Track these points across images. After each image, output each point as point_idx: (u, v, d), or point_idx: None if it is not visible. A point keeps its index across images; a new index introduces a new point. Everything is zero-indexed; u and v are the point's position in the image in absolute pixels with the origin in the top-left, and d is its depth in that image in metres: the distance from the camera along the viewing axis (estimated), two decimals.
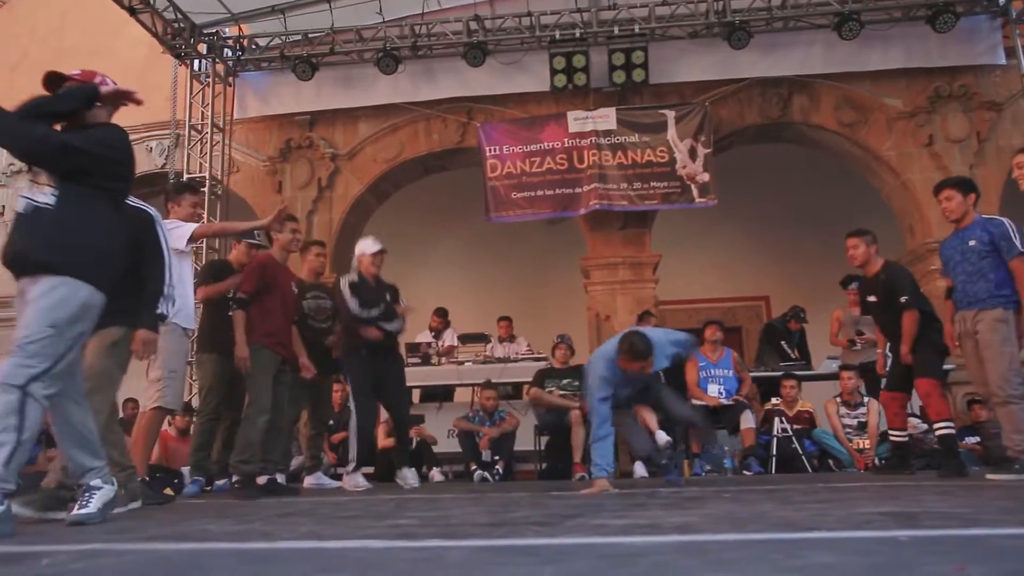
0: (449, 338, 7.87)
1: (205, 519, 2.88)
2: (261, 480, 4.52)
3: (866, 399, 6.09)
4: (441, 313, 8.10)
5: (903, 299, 4.55)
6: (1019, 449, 3.93)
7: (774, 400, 6.29)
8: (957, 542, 1.66)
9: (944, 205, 4.32)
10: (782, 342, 7.41)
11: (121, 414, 5.02)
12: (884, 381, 4.95)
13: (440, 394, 7.70)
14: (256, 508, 3.42)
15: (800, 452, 5.88)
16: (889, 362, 4.83)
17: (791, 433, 5.93)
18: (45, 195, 2.64)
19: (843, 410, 6.08)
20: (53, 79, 2.81)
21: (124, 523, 2.86)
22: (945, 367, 6.72)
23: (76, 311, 2.57)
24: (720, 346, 6.51)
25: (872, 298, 4.78)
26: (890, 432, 4.76)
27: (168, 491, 4.48)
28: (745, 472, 5.72)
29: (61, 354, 2.53)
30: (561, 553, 1.75)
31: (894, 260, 4.99)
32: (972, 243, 4.14)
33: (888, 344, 4.82)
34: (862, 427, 6.02)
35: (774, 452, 5.84)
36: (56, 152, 2.60)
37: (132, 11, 7.42)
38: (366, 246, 5.11)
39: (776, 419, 5.98)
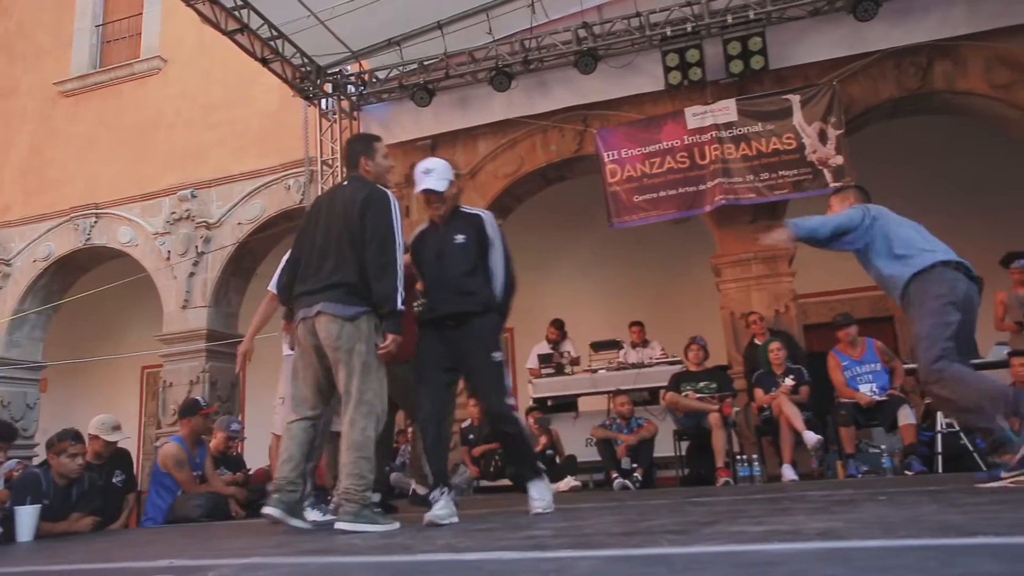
0: (569, 348, 7.88)
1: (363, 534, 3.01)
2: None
3: None
4: (558, 324, 8.12)
5: None
6: None
7: None
8: None
9: None
10: None
11: None
12: None
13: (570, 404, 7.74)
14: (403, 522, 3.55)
15: (971, 448, 5.36)
16: None
17: (958, 428, 5.43)
18: None
19: None
20: None
21: (283, 538, 3.06)
22: None
23: None
24: (859, 339, 6.07)
25: None
26: None
27: None
28: (906, 472, 5.30)
29: None
30: (694, 562, 1.70)
31: None
32: None
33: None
34: None
35: (939, 450, 5.37)
36: None
37: (264, 61, 8.01)
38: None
39: (940, 414, 5.49)
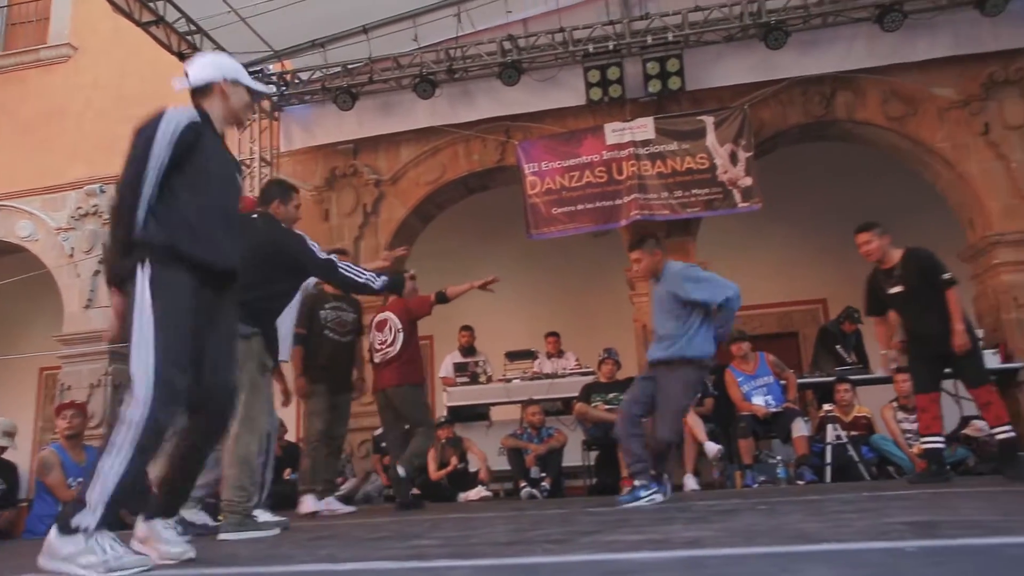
0: (483, 362, 7.91)
1: (247, 544, 2.97)
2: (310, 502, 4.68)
3: None
4: (469, 328, 8.19)
5: (946, 276, 4.41)
6: None
7: (825, 407, 6.09)
8: (967, 552, 1.59)
9: None
10: (837, 346, 7.18)
11: None
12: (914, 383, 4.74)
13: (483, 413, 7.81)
14: (296, 531, 3.51)
15: (857, 459, 5.67)
16: (892, 362, 4.76)
17: (846, 440, 5.73)
18: None
19: (901, 414, 5.84)
20: None
21: None
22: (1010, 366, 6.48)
23: None
24: (752, 354, 6.34)
25: (897, 289, 4.59)
26: (928, 439, 4.48)
27: None
28: (799, 482, 5.56)
29: None
30: (562, 571, 1.75)
31: (914, 246, 4.76)
32: None
33: (904, 339, 4.67)
34: None
35: (828, 460, 5.65)
36: None
37: (181, 56, 7.77)
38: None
39: (830, 426, 5.78)
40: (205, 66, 2.59)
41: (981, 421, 5.58)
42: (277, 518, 3.78)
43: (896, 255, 4.64)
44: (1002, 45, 7.36)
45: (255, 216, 3.76)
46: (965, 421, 5.95)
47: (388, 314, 5.28)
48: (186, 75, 2.58)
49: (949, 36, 7.40)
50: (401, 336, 5.15)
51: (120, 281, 2.28)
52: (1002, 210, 7.20)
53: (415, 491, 5.22)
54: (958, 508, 2.57)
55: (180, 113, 2.38)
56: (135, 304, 2.20)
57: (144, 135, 2.32)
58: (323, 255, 3.67)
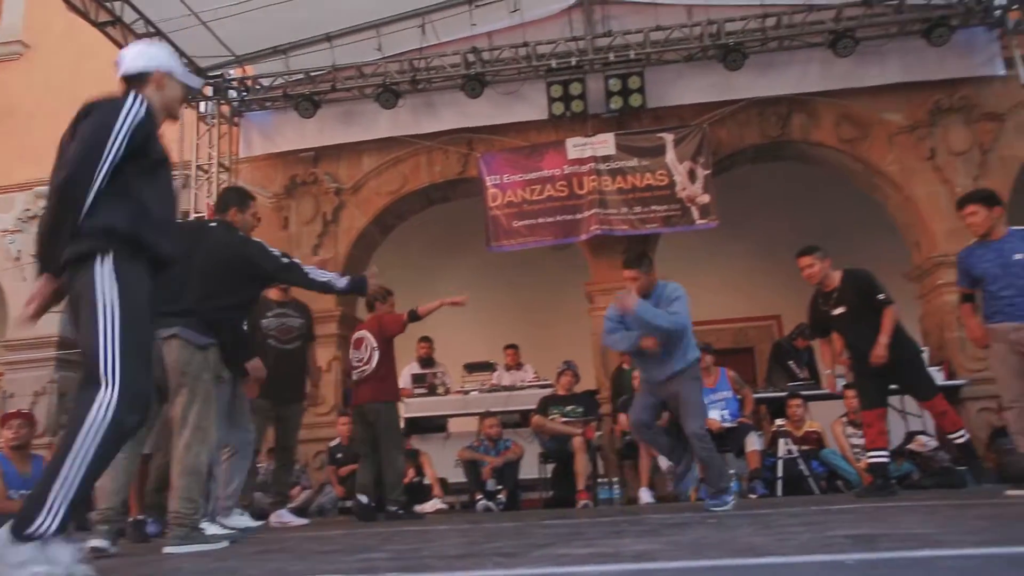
0: (441, 373, 7.87)
1: (192, 558, 2.91)
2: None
3: None
4: (427, 339, 8.16)
5: (881, 296, 4.62)
6: None
7: (777, 422, 6.21)
8: (903, 564, 1.64)
9: (969, 220, 4.29)
10: (790, 361, 7.33)
11: None
12: (862, 400, 4.90)
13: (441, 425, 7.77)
14: (247, 544, 3.44)
15: (807, 474, 5.79)
16: (837, 381, 4.96)
17: (797, 454, 5.85)
18: None
19: (850, 429, 5.98)
20: None
21: (113, 562, 2.90)
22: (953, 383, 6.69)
23: None
24: (713, 368, 6.44)
25: (840, 310, 4.76)
26: (873, 453, 4.64)
27: None
28: (751, 495, 5.65)
29: None
30: None
31: (852, 268, 4.95)
32: (1018, 256, 4.06)
33: (850, 359, 4.86)
34: None
35: (780, 474, 5.76)
36: None
37: None
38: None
39: (781, 440, 5.90)
40: (141, 54, 2.51)
41: (925, 436, 5.77)
42: (225, 531, 3.72)
43: (836, 277, 4.81)
44: (947, 74, 7.65)
45: (213, 224, 3.76)
46: (910, 436, 6.12)
47: (364, 332, 5.46)
48: (119, 62, 2.49)
49: (898, 64, 7.67)
50: (377, 354, 5.33)
51: (58, 269, 2.16)
52: (946, 232, 7.44)
53: (372, 503, 5.18)
54: (899, 521, 2.64)
55: (139, 101, 2.31)
56: (96, 299, 2.08)
57: (100, 119, 2.23)
58: (285, 259, 3.70)
